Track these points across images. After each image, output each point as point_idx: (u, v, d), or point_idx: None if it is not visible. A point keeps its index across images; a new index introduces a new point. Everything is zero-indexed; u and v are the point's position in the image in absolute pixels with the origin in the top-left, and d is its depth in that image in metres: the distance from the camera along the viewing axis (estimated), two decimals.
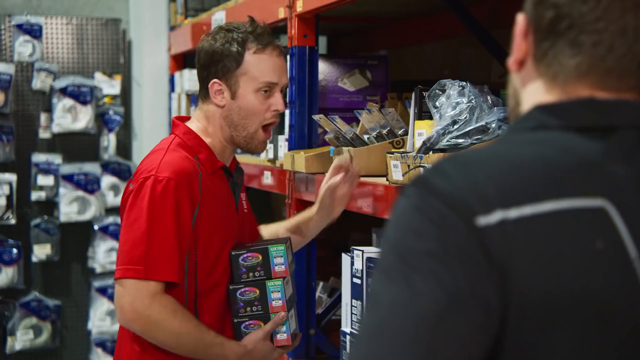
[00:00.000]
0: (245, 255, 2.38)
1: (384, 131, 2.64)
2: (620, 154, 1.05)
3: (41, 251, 5.18)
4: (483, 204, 1.00)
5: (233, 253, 2.38)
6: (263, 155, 3.51)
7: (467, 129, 2.16)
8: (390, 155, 2.35)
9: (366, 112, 2.68)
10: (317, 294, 3.42)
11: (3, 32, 5.23)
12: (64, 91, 5.21)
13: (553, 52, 1.09)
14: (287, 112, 3.22)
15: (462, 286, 0.98)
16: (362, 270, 2.50)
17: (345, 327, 2.63)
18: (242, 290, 2.39)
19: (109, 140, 5.35)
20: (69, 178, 5.19)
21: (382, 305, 1.00)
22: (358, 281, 2.52)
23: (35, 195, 5.21)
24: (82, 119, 5.25)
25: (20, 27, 5.20)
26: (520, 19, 1.12)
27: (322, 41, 4.77)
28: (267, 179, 3.40)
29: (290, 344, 2.43)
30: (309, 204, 3.08)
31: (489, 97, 2.23)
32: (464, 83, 2.24)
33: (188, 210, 2.31)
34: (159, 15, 5.38)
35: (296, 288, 3.03)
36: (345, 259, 2.62)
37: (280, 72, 2.45)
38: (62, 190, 5.17)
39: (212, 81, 2.43)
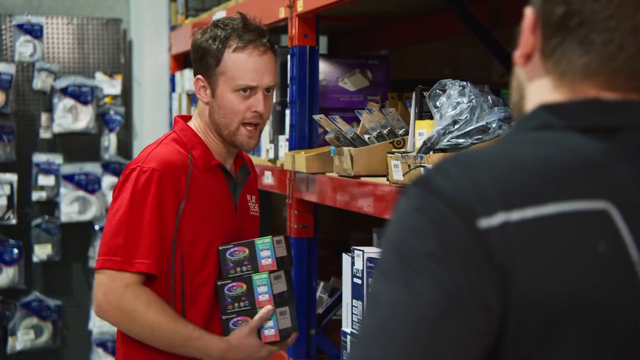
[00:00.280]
0: (232, 250, 2.36)
1: (385, 131, 2.64)
2: (623, 155, 1.05)
3: (42, 251, 5.18)
4: (485, 206, 0.99)
5: (220, 248, 2.37)
6: (264, 155, 3.51)
7: (467, 129, 2.16)
8: (391, 155, 2.34)
9: (367, 111, 2.68)
10: (318, 294, 3.41)
11: (4, 32, 5.23)
12: (64, 91, 5.20)
13: (562, 49, 1.08)
14: (287, 112, 3.22)
15: (462, 288, 0.98)
16: (362, 270, 2.49)
17: (346, 327, 2.63)
18: (230, 285, 2.36)
19: (110, 140, 5.35)
20: (69, 178, 5.19)
21: (381, 306, 1.00)
22: (359, 281, 2.52)
23: (36, 195, 5.20)
24: (82, 119, 5.25)
25: (21, 27, 5.20)
26: (529, 13, 1.11)
27: (323, 41, 4.76)
28: (268, 179, 3.40)
29: (278, 340, 2.38)
30: (310, 204, 3.09)
31: (489, 97, 2.23)
32: (465, 83, 2.24)
33: (171, 203, 2.28)
34: (159, 15, 5.38)
35: (297, 288, 3.04)
36: (345, 259, 2.62)
37: (261, 74, 2.37)
38: (62, 190, 5.17)
39: (196, 77, 2.42)
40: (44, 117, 5.26)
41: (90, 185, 5.21)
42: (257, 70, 2.37)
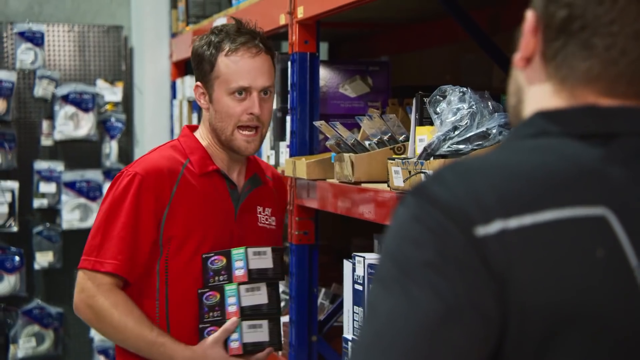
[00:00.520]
0: (213, 258, 2.35)
1: (385, 137, 2.63)
2: (620, 161, 1.04)
3: (43, 258, 5.18)
4: (482, 214, 0.99)
5: (203, 256, 2.36)
6: (264, 161, 3.51)
7: (467, 135, 2.16)
8: (392, 161, 2.34)
9: (367, 118, 2.68)
10: (319, 300, 3.41)
11: (5, 40, 5.24)
12: (65, 98, 5.21)
13: (564, 53, 1.07)
14: (288, 118, 3.22)
15: (461, 296, 0.97)
16: (363, 277, 2.49)
17: (347, 334, 2.62)
18: (208, 294, 2.35)
19: (111, 147, 5.35)
20: (71, 185, 5.19)
21: (379, 315, 0.99)
22: (360, 288, 2.51)
23: (37, 203, 5.21)
24: (84, 126, 5.25)
25: (22, 35, 5.21)
26: (530, 16, 1.10)
27: (323, 47, 4.77)
28: None
29: (241, 353, 2.34)
30: (311, 210, 3.08)
31: (489, 103, 2.22)
32: (465, 89, 2.24)
33: (151, 207, 2.30)
34: (160, 22, 5.38)
35: (298, 295, 3.03)
36: (346, 265, 2.61)
37: (254, 74, 2.37)
38: (64, 197, 5.18)
39: (195, 84, 2.43)
40: (45, 124, 5.26)
41: (91, 192, 5.21)
42: (249, 71, 2.37)
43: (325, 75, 3.31)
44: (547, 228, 1.00)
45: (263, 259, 2.37)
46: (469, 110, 2.19)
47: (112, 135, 5.37)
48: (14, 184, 5.12)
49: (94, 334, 5.23)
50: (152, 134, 5.36)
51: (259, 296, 2.36)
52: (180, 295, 2.35)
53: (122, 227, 2.29)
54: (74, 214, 5.19)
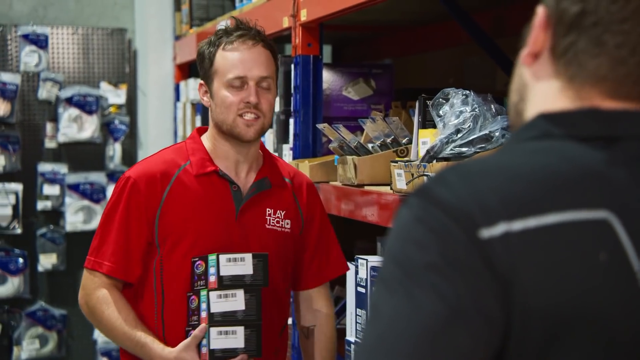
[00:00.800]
0: (197, 263, 2.36)
1: (388, 140, 2.64)
2: (623, 164, 1.04)
3: (47, 261, 5.19)
4: (486, 216, 0.99)
5: (192, 259, 2.37)
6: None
7: (470, 138, 2.16)
8: (394, 164, 2.35)
9: (370, 120, 2.68)
10: None
11: (9, 43, 5.25)
12: (69, 101, 5.22)
13: (574, 49, 1.07)
14: (291, 121, 3.22)
15: (464, 298, 0.97)
16: (366, 279, 2.49)
17: (350, 337, 2.63)
18: (191, 297, 2.38)
19: (115, 150, 5.36)
20: (74, 187, 5.20)
21: (382, 317, 0.99)
22: (362, 290, 2.52)
23: (41, 205, 5.21)
24: (87, 128, 5.26)
25: (27, 38, 5.22)
26: (540, 11, 1.10)
27: (327, 50, 4.77)
28: None
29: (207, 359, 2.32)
30: None
31: (492, 106, 2.23)
32: (468, 92, 2.24)
33: (142, 210, 2.37)
34: (164, 24, 5.39)
35: None
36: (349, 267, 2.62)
37: (249, 64, 2.38)
38: (67, 199, 5.18)
39: (199, 83, 2.48)
40: (49, 126, 5.27)
41: (95, 194, 5.22)
42: (244, 62, 2.38)
43: (328, 78, 3.31)
44: (550, 231, 0.99)
45: (239, 265, 2.33)
46: (471, 113, 2.19)
47: (115, 137, 5.37)
48: (18, 186, 5.13)
49: (97, 335, 5.24)
50: (156, 136, 5.37)
51: (233, 303, 2.33)
52: (174, 295, 2.38)
53: (116, 230, 2.39)
54: (77, 216, 5.20)
